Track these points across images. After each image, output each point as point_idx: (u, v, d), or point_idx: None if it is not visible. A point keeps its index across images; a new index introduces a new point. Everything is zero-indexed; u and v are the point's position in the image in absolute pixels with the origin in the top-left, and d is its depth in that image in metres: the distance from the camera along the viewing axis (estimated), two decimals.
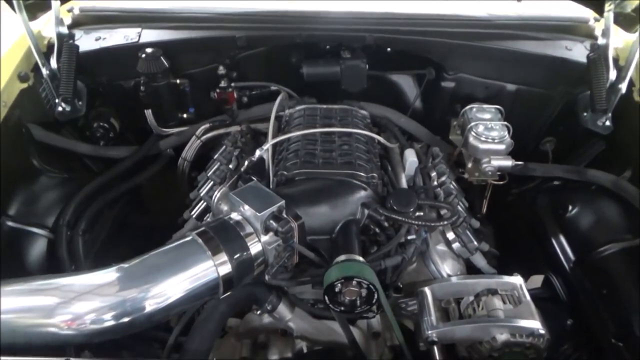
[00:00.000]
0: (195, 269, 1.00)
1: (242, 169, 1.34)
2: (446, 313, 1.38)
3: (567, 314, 1.49)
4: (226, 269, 1.01)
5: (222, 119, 1.77)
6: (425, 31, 1.68)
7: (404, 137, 1.73)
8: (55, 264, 1.40)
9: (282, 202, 1.07)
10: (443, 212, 1.43)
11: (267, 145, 1.35)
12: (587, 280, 1.46)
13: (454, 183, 1.57)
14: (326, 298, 1.07)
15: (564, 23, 1.77)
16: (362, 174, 1.29)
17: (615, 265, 1.41)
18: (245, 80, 1.77)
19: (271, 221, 1.05)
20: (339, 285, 1.05)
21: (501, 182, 1.70)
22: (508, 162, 1.61)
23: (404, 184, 1.51)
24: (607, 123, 1.58)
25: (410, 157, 1.55)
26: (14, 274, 1.37)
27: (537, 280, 1.72)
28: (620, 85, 1.51)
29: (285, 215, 1.08)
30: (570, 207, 1.64)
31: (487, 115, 1.69)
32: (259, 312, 1.28)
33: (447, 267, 1.37)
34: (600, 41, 1.59)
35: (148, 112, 1.69)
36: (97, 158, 1.82)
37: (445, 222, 1.27)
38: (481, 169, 1.62)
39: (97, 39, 1.70)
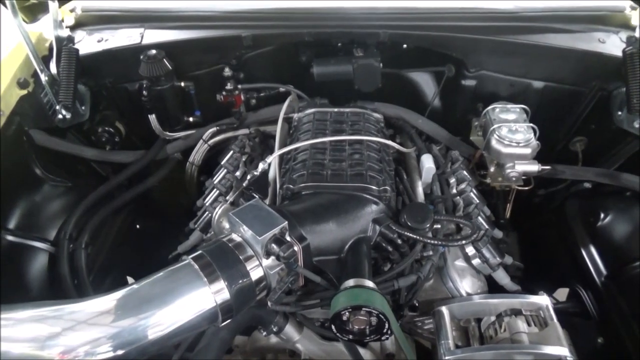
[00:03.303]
0: (191, 297, 0.93)
1: (244, 184, 1.26)
2: (465, 332, 1.29)
3: (597, 332, 1.38)
4: (224, 296, 0.94)
5: (230, 122, 1.69)
6: (443, 26, 1.56)
7: (421, 138, 1.62)
8: (56, 280, 1.35)
9: (285, 224, 0.99)
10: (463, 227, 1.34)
11: (270, 159, 1.27)
12: (620, 296, 1.34)
13: (474, 190, 1.46)
14: (333, 327, 0.99)
15: (597, 13, 1.62)
16: (373, 187, 1.19)
17: None
18: (253, 81, 1.68)
19: (273, 245, 0.97)
20: (347, 313, 0.97)
21: (526, 188, 1.59)
22: (534, 167, 1.49)
23: (420, 192, 1.41)
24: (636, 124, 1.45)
25: (427, 164, 1.45)
26: (14, 291, 1.34)
27: (564, 292, 1.61)
28: None
29: (288, 238, 1.00)
30: (602, 215, 1.52)
31: (512, 116, 1.57)
32: (265, 334, 1.21)
33: (466, 285, 1.28)
34: (638, 33, 1.45)
35: (152, 117, 1.62)
36: (104, 163, 1.77)
37: (465, 241, 1.17)
38: (505, 174, 1.51)
39: (99, 41, 1.63)
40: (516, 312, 1.22)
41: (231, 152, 1.56)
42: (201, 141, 1.71)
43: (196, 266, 0.95)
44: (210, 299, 0.93)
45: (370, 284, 1.01)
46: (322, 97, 1.66)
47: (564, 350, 1.10)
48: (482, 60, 1.61)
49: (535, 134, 1.50)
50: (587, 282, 1.44)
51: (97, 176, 1.79)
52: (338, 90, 1.66)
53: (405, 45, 1.63)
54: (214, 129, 1.70)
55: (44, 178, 1.54)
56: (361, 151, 1.32)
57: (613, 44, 1.56)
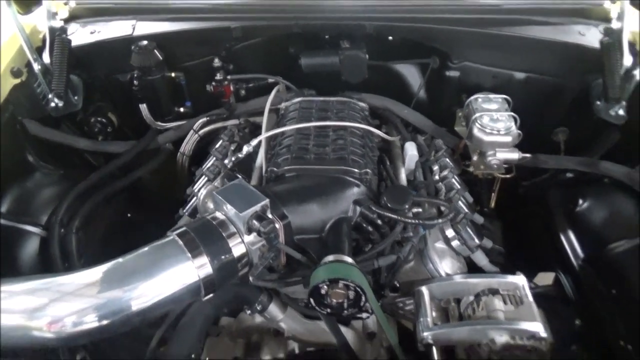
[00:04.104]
0: (174, 271, 0.96)
1: (228, 166, 1.30)
2: (446, 313, 1.33)
3: (575, 314, 1.42)
4: (207, 271, 0.98)
5: (220, 112, 1.73)
6: (428, 18, 1.60)
7: (406, 129, 1.66)
8: (47, 263, 1.39)
9: (266, 201, 1.03)
10: (442, 208, 1.38)
11: (255, 142, 1.31)
12: (597, 279, 1.38)
13: (457, 177, 1.50)
14: (312, 300, 1.02)
15: (577, 6, 1.67)
16: (355, 170, 1.23)
17: (626, 263, 1.33)
18: (243, 72, 1.72)
19: (254, 221, 1.01)
20: (325, 287, 1.01)
21: (508, 176, 1.62)
22: (515, 155, 1.54)
23: (403, 178, 1.45)
24: (621, 112, 1.49)
25: (410, 151, 1.49)
26: (6, 273, 1.37)
27: (548, 277, 1.64)
28: (635, 72, 1.41)
29: (269, 215, 1.04)
30: (580, 201, 1.56)
31: (494, 106, 1.61)
32: (249, 313, 1.25)
33: (445, 266, 1.31)
34: (615, 25, 1.50)
35: (143, 107, 1.66)
36: (97, 153, 1.80)
37: (441, 220, 1.21)
38: (486, 162, 1.55)
39: (92, 32, 1.67)
40: (494, 292, 1.26)
41: (220, 141, 1.60)
42: (192, 131, 1.75)
43: (180, 242, 0.99)
44: (194, 273, 0.97)
45: (349, 259, 1.05)
46: (311, 88, 1.70)
47: (537, 326, 1.14)
48: (465, 52, 1.66)
49: (516, 123, 1.55)
50: (566, 266, 1.48)
51: (90, 166, 1.82)
52: (326, 82, 1.70)
53: (390, 38, 1.68)
54: (205, 119, 1.74)
55: (37, 166, 1.58)
56: (344, 137, 1.36)
57: (593, 37, 1.60)
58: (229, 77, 1.65)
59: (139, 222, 1.83)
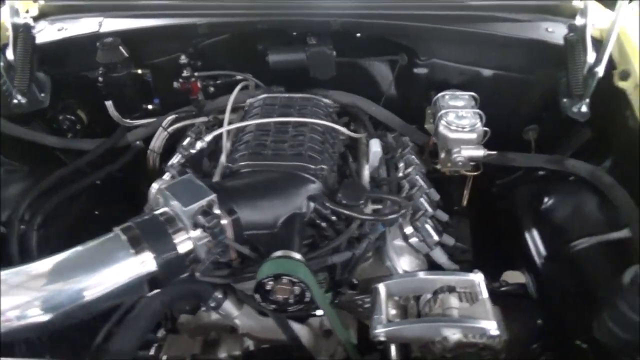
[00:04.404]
0: (117, 266, 0.96)
1: (177, 161, 1.30)
2: (405, 310, 1.32)
3: (537, 313, 1.41)
4: (150, 267, 0.97)
5: (189, 109, 1.72)
6: (393, 15, 1.59)
7: (373, 126, 1.66)
8: (5, 259, 1.38)
9: (213, 197, 1.02)
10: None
11: (208, 138, 1.31)
12: (557, 277, 1.38)
13: (421, 174, 1.50)
14: (257, 296, 1.02)
15: (546, 3, 1.66)
16: (310, 166, 1.23)
17: (585, 261, 1.33)
18: (212, 69, 1.72)
19: (200, 216, 1.00)
20: (271, 283, 1.00)
21: (475, 174, 1.62)
22: (480, 152, 1.53)
23: (365, 175, 1.44)
24: (583, 109, 1.49)
25: (374, 148, 1.49)
26: None
27: (517, 276, 1.64)
28: (597, 69, 1.41)
29: (217, 210, 1.04)
30: (546, 199, 1.56)
31: (460, 103, 1.61)
32: (203, 309, 1.24)
33: (403, 263, 1.31)
34: (578, 21, 1.49)
35: (109, 104, 1.66)
36: (66, 150, 1.80)
37: (394, 216, 1.20)
38: (452, 160, 1.55)
39: (59, 30, 1.67)
40: (451, 289, 1.26)
41: (188, 137, 1.60)
42: (161, 129, 1.75)
43: (123, 237, 0.98)
44: (136, 269, 0.97)
45: (296, 255, 1.05)
46: (281, 85, 1.70)
47: (490, 324, 1.13)
48: (432, 49, 1.65)
49: (481, 120, 1.54)
50: (529, 264, 1.48)
51: (61, 164, 1.82)
52: (296, 79, 1.70)
53: (359, 35, 1.67)
54: (173, 116, 1.73)
55: (1, 162, 1.57)
56: (304, 133, 1.36)
57: (561, 33, 1.59)
58: (196, 74, 1.65)
59: (108, 219, 1.82)
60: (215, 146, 1.45)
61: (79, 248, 0.99)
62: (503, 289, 1.56)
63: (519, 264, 1.60)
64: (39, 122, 1.76)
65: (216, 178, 1.38)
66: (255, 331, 1.25)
